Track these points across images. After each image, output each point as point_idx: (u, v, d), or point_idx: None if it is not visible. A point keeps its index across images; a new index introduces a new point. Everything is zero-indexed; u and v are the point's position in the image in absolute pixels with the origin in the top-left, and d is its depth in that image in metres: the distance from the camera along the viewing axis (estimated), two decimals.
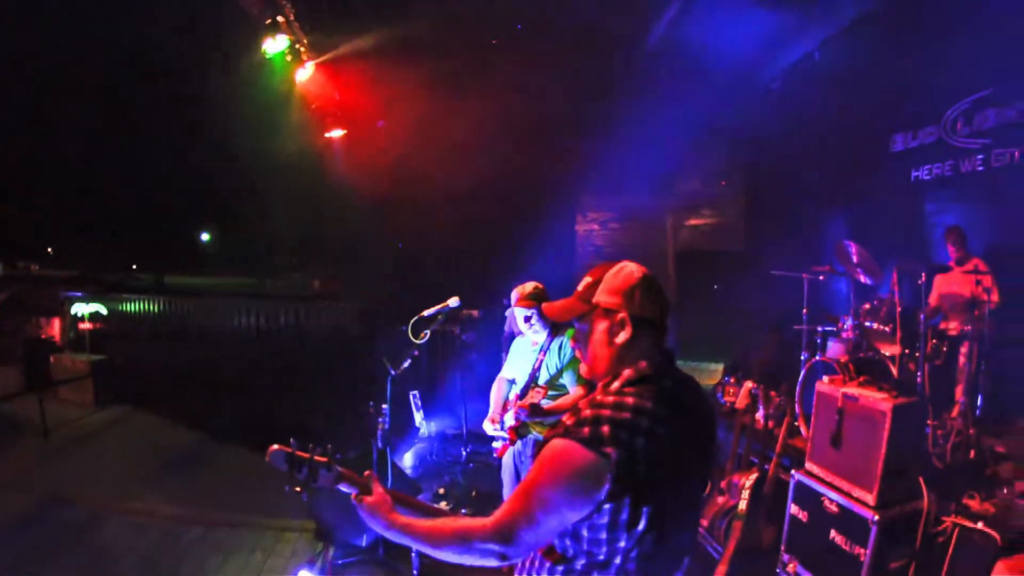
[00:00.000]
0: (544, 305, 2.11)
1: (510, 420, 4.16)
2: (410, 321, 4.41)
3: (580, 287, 1.99)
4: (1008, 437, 5.38)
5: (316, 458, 2.01)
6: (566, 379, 4.15)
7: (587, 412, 1.69)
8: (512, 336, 7.89)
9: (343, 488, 2.05)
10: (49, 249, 18.99)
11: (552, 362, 4.20)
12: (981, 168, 6.76)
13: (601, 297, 1.91)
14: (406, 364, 4.64)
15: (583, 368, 1.98)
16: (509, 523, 1.66)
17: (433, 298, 4.52)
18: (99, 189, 16.04)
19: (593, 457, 1.60)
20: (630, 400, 1.71)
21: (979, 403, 5.75)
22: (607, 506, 1.62)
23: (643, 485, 1.63)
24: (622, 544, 1.67)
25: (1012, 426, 5.60)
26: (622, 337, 1.86)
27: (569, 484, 1.63)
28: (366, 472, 2.09)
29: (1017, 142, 6.40)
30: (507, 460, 4.41)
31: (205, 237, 20.98)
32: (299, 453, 2.00)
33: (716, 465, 5.05)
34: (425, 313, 4.45)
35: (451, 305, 4.47)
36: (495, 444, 4.35)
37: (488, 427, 4.32)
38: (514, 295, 4.36)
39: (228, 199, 14.69)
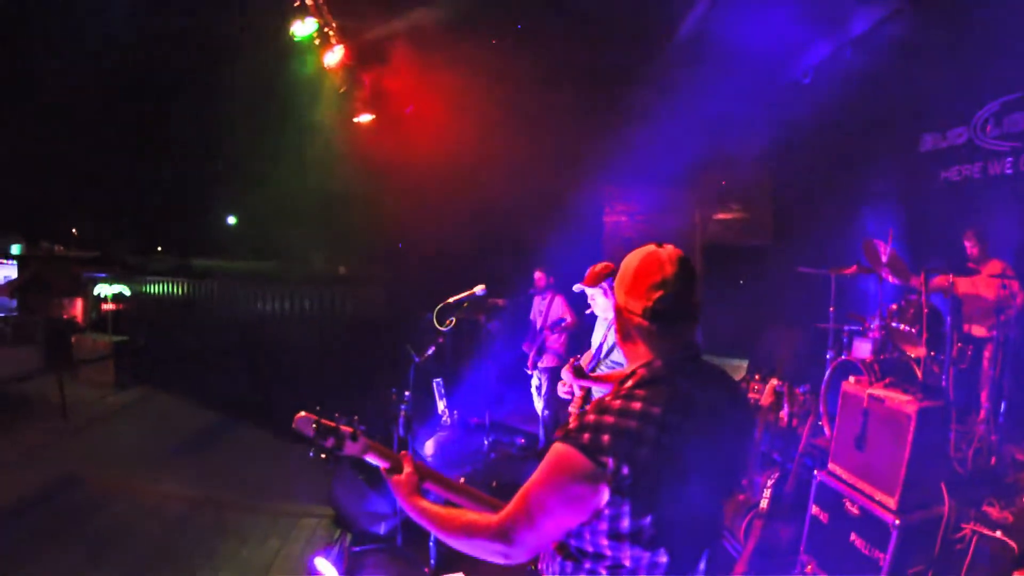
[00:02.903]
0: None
1: (576, 388, 4.26)
2: (435, 308, 4.44)
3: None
4: None
5: (342, 427, 2.03)
6: (619, 355, 4.16)
7: (590, 417, 1.64)
8: (535, 324, 7.94)
9: (371, 460, 2.08)
10: (74, 230, 19.07)
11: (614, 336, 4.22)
12: (1010, 171, 6.66)
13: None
14: (430, 351, 4.67)
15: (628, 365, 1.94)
16: (510, 524, 1.67)
17: (459, 287, 4.54)
18: (124, 170, 16.14)
19: (590, 466, 1.56)
20: (637, 406, 1.63)
21: (1002, 409, 5.67)
22: (606, 513, 1.59)
23: (645, 496, 1.57)
24: (627, 550, 1.63)
25: None
26: (625, 331, 1.84)
27: (565, 490, 1.60)
28: (402, 452, 2.11)
29: None
30: None
31: (231, 220, 20.98)
32: (325, 422, 2.02)
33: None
34: (450, 300, 4.48)
35: (477, 292, 4.51)
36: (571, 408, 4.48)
37: (560, 390, 4.40)
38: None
39: (253, 181, 14.69)
